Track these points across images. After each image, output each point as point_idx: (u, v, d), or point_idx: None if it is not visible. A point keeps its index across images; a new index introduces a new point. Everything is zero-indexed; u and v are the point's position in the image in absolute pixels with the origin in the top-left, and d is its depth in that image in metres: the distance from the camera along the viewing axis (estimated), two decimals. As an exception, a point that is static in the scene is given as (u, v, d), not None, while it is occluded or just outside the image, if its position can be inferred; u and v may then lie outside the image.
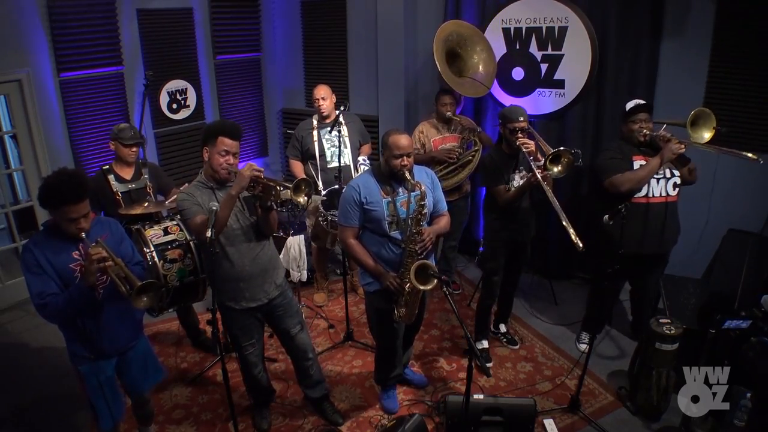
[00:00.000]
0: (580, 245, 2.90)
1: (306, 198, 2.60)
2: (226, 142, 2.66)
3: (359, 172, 4.15)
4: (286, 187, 2.57)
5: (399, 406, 3.35)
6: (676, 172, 3.31)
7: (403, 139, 2.81)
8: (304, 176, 4.25)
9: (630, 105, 3.35)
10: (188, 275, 3.31)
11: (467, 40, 4.31)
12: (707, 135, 3.11)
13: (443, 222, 3.03)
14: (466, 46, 4.32)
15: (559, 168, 3.05)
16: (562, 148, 3.07)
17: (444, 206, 3.06)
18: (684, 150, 3.13)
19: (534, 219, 3.56)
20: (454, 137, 4.19)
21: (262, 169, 2.63)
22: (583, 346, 3.73)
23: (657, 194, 3.29)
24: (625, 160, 3.31)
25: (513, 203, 3.31)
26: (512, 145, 3.26)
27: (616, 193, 3.25)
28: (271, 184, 2.59)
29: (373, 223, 2.89)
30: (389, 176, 2.91)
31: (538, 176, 3.06)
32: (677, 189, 3.33)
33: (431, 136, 4.18)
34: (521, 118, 3.22)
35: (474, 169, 4.14)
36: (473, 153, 4.12)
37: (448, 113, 4.10)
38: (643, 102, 3.34)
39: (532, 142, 3.18)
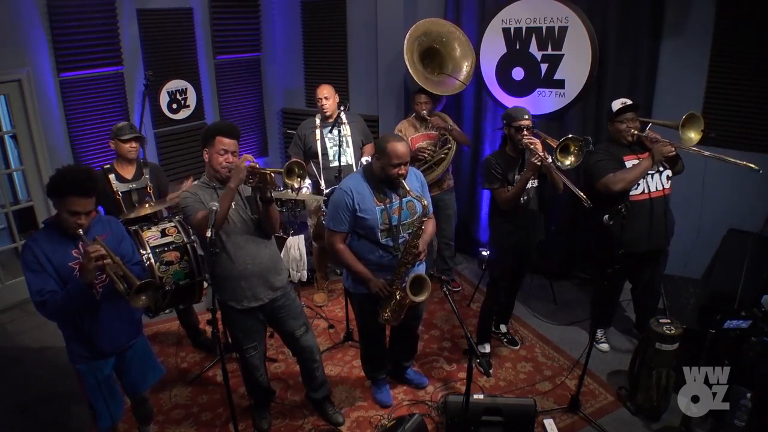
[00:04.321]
0: (588, 202, 2.86)
1: (299, 180, 2.63)
2: (224, 141, 2.70)
3: None
4: (278, 172, 2.63)
5: (392, 399, 3.38)
6: (666, 165, 3.35)
7: (401, 147, 2.75)
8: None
9: (617, 105, 3.33)
10: (184, 278, 3.28)
11: (444, 37, 4.35)
12: (694, 136, 3.12)
13: (430, 228, 3.02)
14: (443, 42, 4.36)
15: (572, 159, 3.02)
16: (570, 135, 3.01)
17: (430, 209, 3.04)
18: (674, 152, 3.17)
19: (542, 222, 3.50)
20: (431, 135, 4.27)
21: (256, 162, 2.66)
22: (605, 346, 3.82)
23: (655, 189, 3.32)
24: (615, 161, 3.32)
25: (516, 200, 3.22)
26: (517, 146, 3.23)
27: (609, 194, 3.25)
28: (266, 171, 2.63)
29: (365, 230, 2.87)
30: (384, 182, 2.86)
31: (543, 155, 2.99)
32: (670, 181, 3.37)
33: (409, 134, 4.27)
34: (526, 116, 3.21)
35: (447, 166, 4.26)
36: (446, 150, 4.24)
37: (423, 112, 4.19)
38: (630, 102, 3.33)
39: (538, 141, 3.13)
